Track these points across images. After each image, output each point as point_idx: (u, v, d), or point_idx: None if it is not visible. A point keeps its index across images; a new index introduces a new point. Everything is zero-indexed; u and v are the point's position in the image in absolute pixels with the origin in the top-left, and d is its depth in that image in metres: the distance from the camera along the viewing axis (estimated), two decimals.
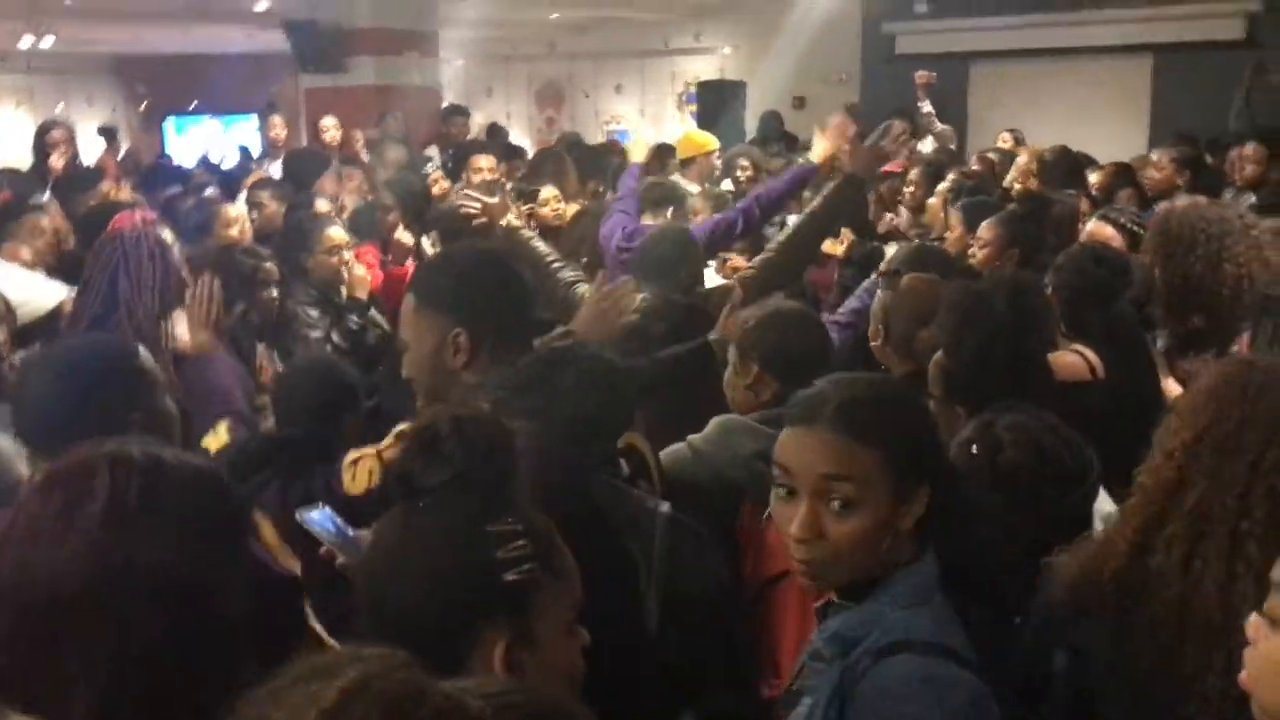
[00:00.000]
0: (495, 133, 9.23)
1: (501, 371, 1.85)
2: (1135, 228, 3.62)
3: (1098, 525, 2.23)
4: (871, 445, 1.39)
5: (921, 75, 8.16)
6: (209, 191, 5.18)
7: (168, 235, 3.17)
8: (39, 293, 3.54)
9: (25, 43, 8.81)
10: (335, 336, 3.74)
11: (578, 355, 1.96)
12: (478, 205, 3.64)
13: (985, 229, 3.65)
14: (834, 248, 5.30)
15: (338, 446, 2.27)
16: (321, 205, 3.85)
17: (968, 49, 10.70)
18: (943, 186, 5.03)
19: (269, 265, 3.66)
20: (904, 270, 3.00)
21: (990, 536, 1.60)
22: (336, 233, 3.88)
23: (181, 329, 3.00)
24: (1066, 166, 5.00)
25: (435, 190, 5.36)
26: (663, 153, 7.45)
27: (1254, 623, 1.18)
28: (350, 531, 1.77)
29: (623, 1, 11.48)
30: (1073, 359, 2.65)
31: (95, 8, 9.74)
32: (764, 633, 2.12)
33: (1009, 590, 1.59)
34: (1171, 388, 2.87)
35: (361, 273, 3.98)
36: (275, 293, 3.65)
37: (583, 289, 3.48)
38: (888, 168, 6.26)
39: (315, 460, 2.23)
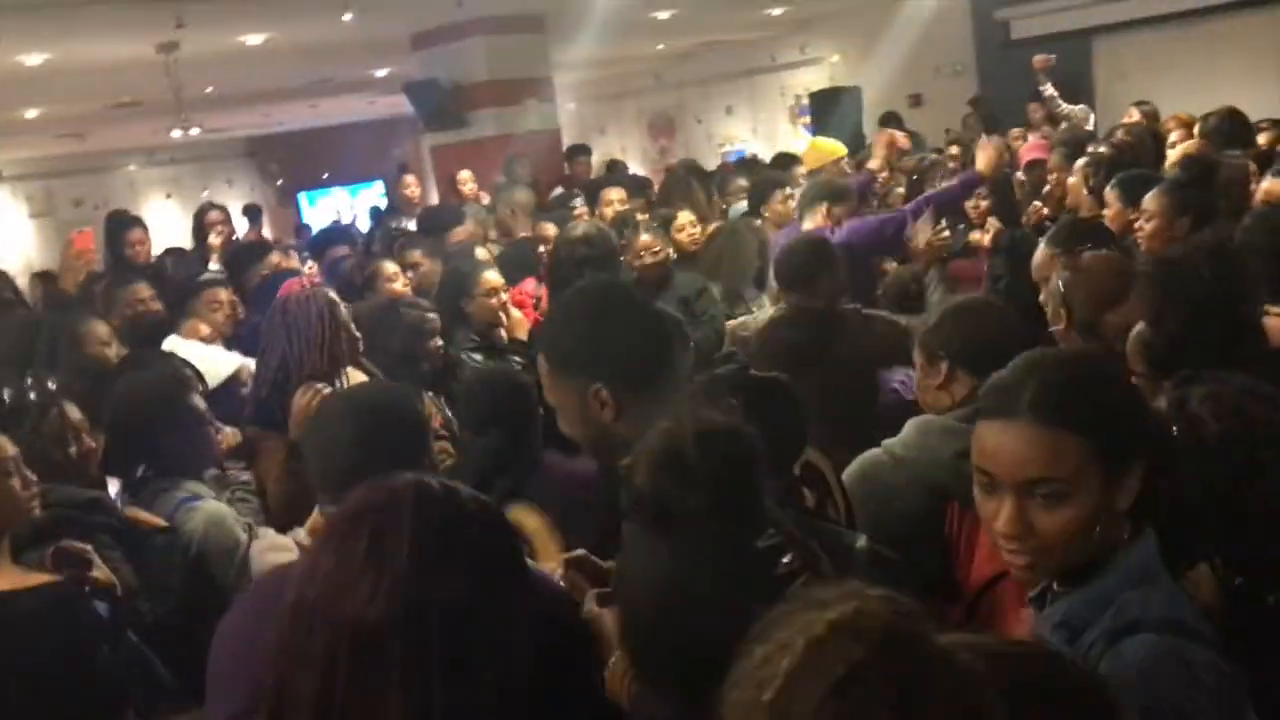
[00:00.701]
0: (615, 168, 9.35)
1: (660, 411, 1.72)
2: None
3: None
4: (1077, 432, 1.30)
5: (1040, 59, 7.99)
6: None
7: (334, 295, 3.31)
8: (214, 364, 3.72)
9: (173, 135, 9.35)
10: None
11: (745, 381, 1.90)
12: None
13: (1151, 200, 3.50)
14: (981, 238, 5.21)
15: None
16: (481, 253, 3.94)
17: (1087, 25, 10.36)
18: (1080, 164, 4.85)
19: (432, 315, 3.78)
20: (1065, 245, 2.89)
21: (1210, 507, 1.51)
22: (494, 276, 3.97)
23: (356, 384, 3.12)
24: (1231, 128, 4.77)
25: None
26: (783, 161, 7.47)
27: None
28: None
29: (725, 24, 11.52)
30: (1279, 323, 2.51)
31: (232, 95, 10.30)
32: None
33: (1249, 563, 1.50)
34: None
35: (519, 315, 4.07)
36: (440, 341, 3.75)
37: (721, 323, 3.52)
38: (1032, 155, 6.12)
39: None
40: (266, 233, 11.58)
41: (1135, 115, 7.00)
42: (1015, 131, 7.78)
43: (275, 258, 4.88)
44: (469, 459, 2.48)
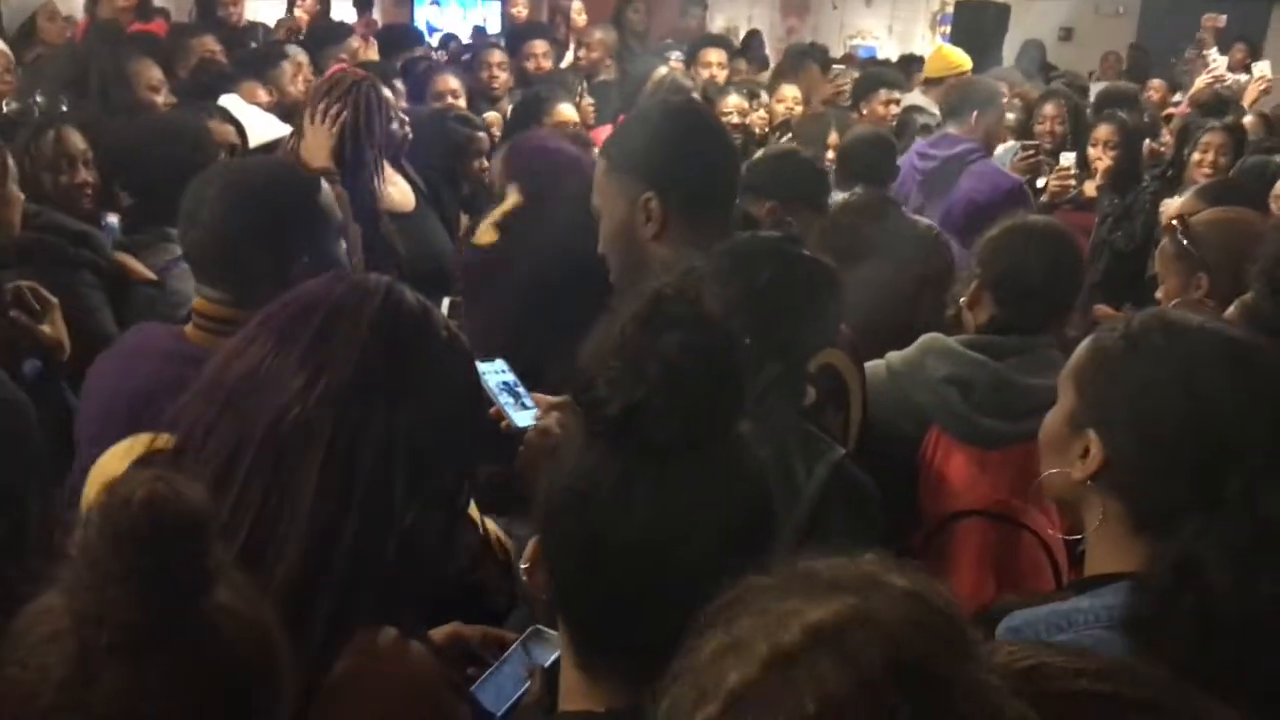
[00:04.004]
0: (752, 38, 8.88)
1: (696, 252, 1.63)
2: None
3: None
4: None
5: (1209, 18, 7.26)
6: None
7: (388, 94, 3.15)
8: (260, 126, 3.52)
9: None
10: None
11: (782, 250, 1.67)
12: None
13: None
14: (1091, 189, 4.87)
15: None
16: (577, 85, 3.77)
17: None
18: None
19: (481, 134, 3.56)
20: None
21: None
22: (569, 109, 3.70)
23: (391, 188, 2.94)
24: None
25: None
26: (907, 64, 7.01)
27: None
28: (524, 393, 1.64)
29: None
30: None
31: None
32: (934, 572, 1.84)
33: None
34: None
35: None
36: (485, 163, 3.53)
37: None
38: (1180, 110, 5.63)
39: None
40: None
41: None
42: (1155, 83, 7.18)
43: (355, 43, 4.68)
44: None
